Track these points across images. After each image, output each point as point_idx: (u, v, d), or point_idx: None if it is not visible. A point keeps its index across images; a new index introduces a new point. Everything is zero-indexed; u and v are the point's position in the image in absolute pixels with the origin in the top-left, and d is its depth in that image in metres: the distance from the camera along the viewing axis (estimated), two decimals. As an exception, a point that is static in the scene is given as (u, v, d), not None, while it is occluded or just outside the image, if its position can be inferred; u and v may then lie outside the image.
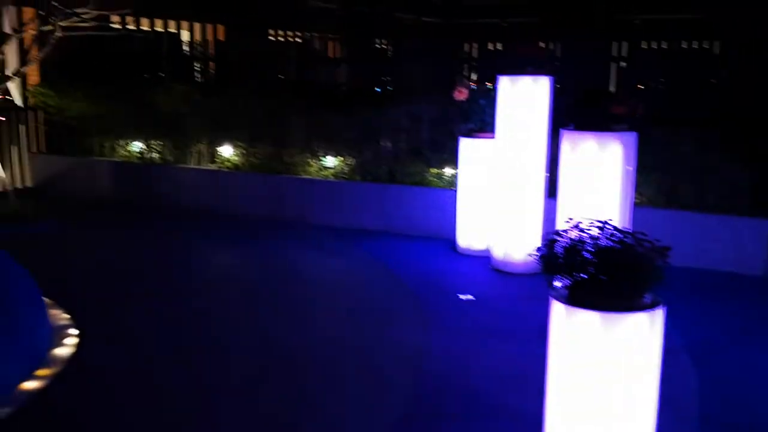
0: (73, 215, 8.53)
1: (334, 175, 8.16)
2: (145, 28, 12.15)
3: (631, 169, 5.19)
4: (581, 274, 2.90)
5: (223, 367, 4.35)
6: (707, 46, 11.55)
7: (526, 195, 6.12)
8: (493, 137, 6.32)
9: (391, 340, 4.79)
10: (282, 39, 16.04)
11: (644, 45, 8.49)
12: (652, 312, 2.87)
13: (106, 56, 10.27)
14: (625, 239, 2.89)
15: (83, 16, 7.70)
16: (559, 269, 2.95)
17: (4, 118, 9.33)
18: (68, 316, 4.92)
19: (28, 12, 9.43)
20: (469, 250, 6.82)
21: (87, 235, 7.80)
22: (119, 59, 10.35)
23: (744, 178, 6.32)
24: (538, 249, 3.05)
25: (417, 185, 7.65)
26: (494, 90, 6.22)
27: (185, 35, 13.59)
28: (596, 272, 2.86)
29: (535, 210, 6.15)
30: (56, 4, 7.55)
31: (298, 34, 16.93)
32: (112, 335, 4.80)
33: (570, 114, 5.27)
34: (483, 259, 6.58)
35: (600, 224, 2.98)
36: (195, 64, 10.27)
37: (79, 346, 4.48)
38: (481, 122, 6.65)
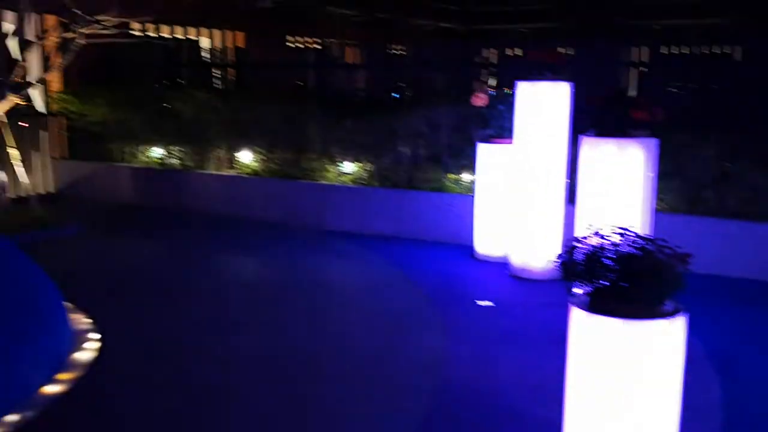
0: (94, 220, 8.60)
1: (353, 181, 8.17)
2: (165, 35, 12.27)
3: (652, 175, 5.15)
4: (602, 281, 2.88)
5: (241, 371, 4.36)
6: (728, 51, 11.45)
7: (546, 201, 6.09)
8: (510, 143, 6.30)
9: (409, 346, 4.78)
10: (301, 45, 16.12)
11: (664, 50, 8.42)
12: (673, 319, 2.84)
13: (127, 63, 10.38)
14: (647, 246, 2.86)
15: (105, 23, 7.79)
16: (580, 276, 2.93)
17: (27, 125, 9.44)
18: (89, 321, 4.96)
19: (51, 19, 9.55)
20: (486, 256, 6.80)
21: (108, 240, 7.86)
22: (140, 66, 10.46)
23: (766, 183, 6.24)
24: (559, 255, 3.04)
25: (435, 191, 7.63)
26: (513, 95, 6.20)
27: (205, 42, 13.71)
28: (617, 279, 2.83)
29: (554, 216, 6.12)
30: (78, 11, 7.64)
31: (317, 40, 17.01)
32: (132, 339, 4.82)
33: (590, 119, 5.24)
34: (501, 265, 6.55)
35: (621, 231, 2.96)
36: (214, 70, 10.33)
37: (99, 350, 4.51)
38: (500, 128, 6.63)
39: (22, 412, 3.65)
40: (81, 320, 4.95)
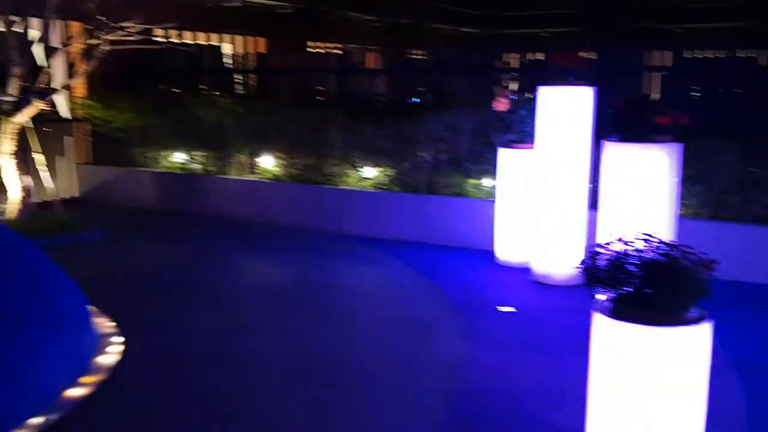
0: (118, 225, 8.68)
1: (373, 186, 8.18)
2: (187, 41, 12.38)
3: (676, 180, 5.10)
4: (625, 288, 2.85)
5: (262, 376, 4.37)
6: (753, 55, 11.33)
7: (568, 206, 6.06)
8: (532, 148, 6.28)
9: (429, 351, 4.77)
10: (322, 51, 16.18)
11: (688, 54, 8.35)
12: (698, 326, 2.81)
13: (150, 69, 10.48)
14: (671, 252, 2.84)
15: (128, 30, 7.87)
16: (603, 282, 2.90)
17: (51, 130, 9.56)
18: (113, 324, 5.00)
19: (75, 26, 9.67)
20: (508, 261, 6.77)
21: (131, 244, 7.93)
22: (163, 72, 10.56)
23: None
24: (582, 261, 3.02)
25: (456, 196, 7.62)
26: (534, 100, 6.18)
27: (227, 48, 13.80)
28: (641, 285, 2.81)
29: (576, 221, 6.08)
30: (103, 18, 7.72)
31: (338, 45, 17.07)
32: (155, 343, 4.86)
33: (613, 124, 5.20)
34: (522, 270, 6.51)
35: (645, 237, 2.94)
36: (236, 76, 10.40)
37: (123, 353, 4.54)
38: (521, 133, 6.61)
39: (46, 415, 3.68)
40: (105, 324, 4.99)
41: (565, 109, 5.95)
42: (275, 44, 14.46)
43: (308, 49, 15.77)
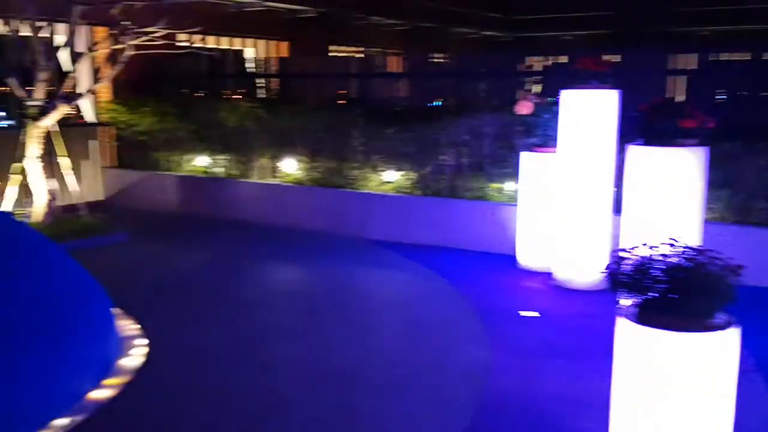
0: (142, 228, 8.75)
1: (395, 190, 8.17)
2: (210, 45, 12.47)
3: (702, 184, 5.04)
4: (650, 293, 2.82)
5: (285, 379, 4.38)
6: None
7: (591, 210, 6.01)
8: (554, 151, 6.24)
9: (451, 356, 4.75)
10: (344, 55, 16.23)
11: (713, 56, 8.26)
12: (725, 332, 2.77)
13: (174, 73, 10.57)
14: (697, 257, 2.80)
15: (153, 35, 7.95)
16: (628, 287, 2.87)
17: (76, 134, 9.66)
18: (137, 327, 5.04)
19: (101, 32, 9.78)
20: (530, 265, 6.73)
21: (155, 247, 7.99)
22: (186, 76, 10.64)
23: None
24: (607, 266, 2.99)
25: (478, 200, 7.59)
26: (557, 104, 6.14)
27: (249, 52, 13.89)
28: (666, 291, 2.78)
29: (600, 226, 6.03)
30: (127, 23, 7.80)
31: (360, 49, 17.11)
32: (178, 346, 4.88)
33: (638, 128, 5.15)
34: (544, 274, 6.47)
35: (670, 241, 2.90)
36: (258, 80, 10.46)
37: (146, 356, 4.57)
38: (544, 136, 6.57)
39: (70, 416, 3.71)
40: (129, 326, 5.03)
41: (589, 113, 5.91)
42: (297, 48, 14.53)
43: (330, 53, 15.83)
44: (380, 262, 7.25)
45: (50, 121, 7.73)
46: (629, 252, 2.94)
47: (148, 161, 10.21)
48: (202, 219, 9.28)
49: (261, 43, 14.12)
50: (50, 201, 7.82)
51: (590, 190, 5.98)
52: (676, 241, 2.92)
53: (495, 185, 7.55)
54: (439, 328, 5.29)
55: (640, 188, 5.13)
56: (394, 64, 9.87)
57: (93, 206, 9.32)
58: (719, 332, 2.76)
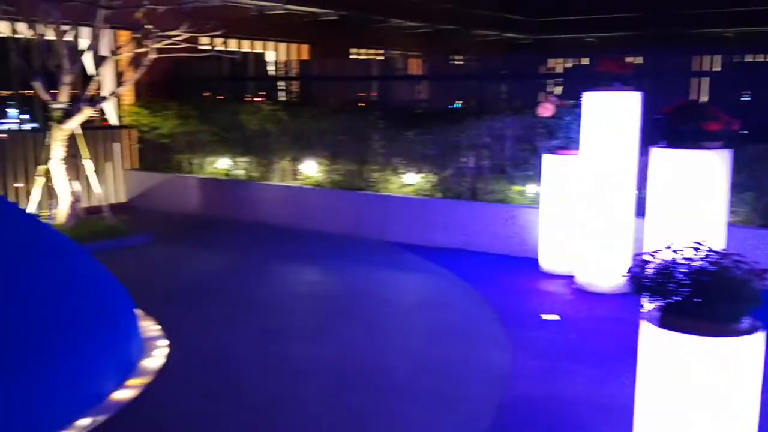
0: (164, 230, 8.82)
1: (415, 192, 8.17)
2: (232, 48, 12.54)
3: (726, 187, 4.98)
4: (674, 297, 2.79)
5: (303, 381, 4.39)
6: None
7: (614, 213, 5.96)
8: (577, 154, 6.20)
9: (472, 359, 4.73)
10: (364, 57, 16.25)
11: (737, 58, 8.15)
12: (751, 337, 2.73)
13: (196, 76, 10.65)
14: (722, 261, 2.77)
15: (175, 38, 8.01)
16: (652, 291, 2.84)
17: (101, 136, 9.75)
18: (159, 328, 5.07)
19: (124, 35, 9.88)
20: (552, 269, 6.69)
21: (177, 249, 8.05)
22: (207, 79, 10.71)
23: None
24: (630, 269, 2.96)
25: (500, 202, 7.56)
26: (579, 106, 6.10)
27: (270, 55, 13.96)
28: (690, 295, 2.74)
29: (623, 229, 5.98)
30: (150, 27, 7.88)
31: (381, 52, 17.13)
32: (199, 347, 4.91)
33: (661, 130, 5.09)
34: (566, 278, 6.43)
35: (695, 245, 2.87)
36: (279, 83, 10.50)
37: (168, 357, 4.60)
38: (566, 139, 6.53)
39: (93, 416, 3.74)
40: (150, 327, 5.07)
41: (612, 115, 5.87)
42: (318, 51, 14.58)
43: (350, 56, 15.87)
44: (400, 264, 7.24)
45: (74, 123, 7.81)
46: (652, 255, 2.91)
47: (170, 164, 10.30)
48: (224, 221, 9.33)
49: (282, 46, 14.18)
50: (74, 203, 7.91)
51: (613, 193, 5.93)
52: (700, 244, 2.88)
53: (516, 188, 7.52)
54: (460, 331, 5.27)
55: (664, 191, 5.08)
56: (415, 67, 9.86)
57: (116, 208, 9.41)
58: (744, 337, 2.73)
